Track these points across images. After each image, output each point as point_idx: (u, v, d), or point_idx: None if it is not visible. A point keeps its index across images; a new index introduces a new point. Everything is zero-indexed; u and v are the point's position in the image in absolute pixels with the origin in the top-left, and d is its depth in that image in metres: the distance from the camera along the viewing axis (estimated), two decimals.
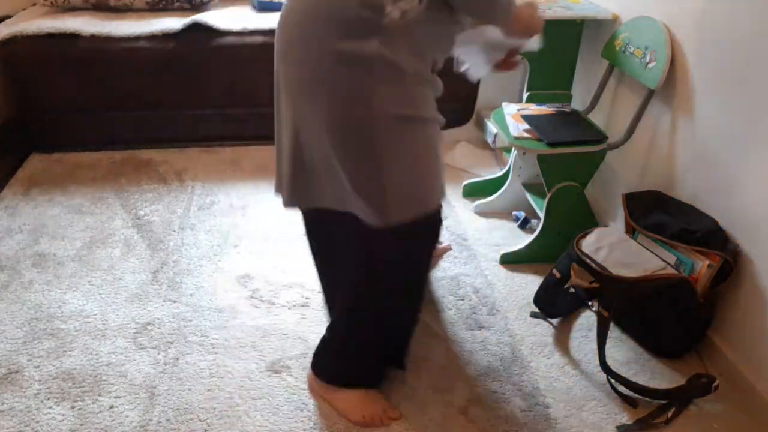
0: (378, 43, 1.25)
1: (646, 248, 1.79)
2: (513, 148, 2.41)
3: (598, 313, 1.71)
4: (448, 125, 3.19)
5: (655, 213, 1.84)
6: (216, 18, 2.88)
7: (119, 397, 1.65)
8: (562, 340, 1.89)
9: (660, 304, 1.77)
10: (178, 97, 2.87)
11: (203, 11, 3.03)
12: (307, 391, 1.67)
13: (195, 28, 2.78)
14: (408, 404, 1.65)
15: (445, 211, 2.51)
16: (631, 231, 1.88)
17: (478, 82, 2.90)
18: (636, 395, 1.68)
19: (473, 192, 2.61)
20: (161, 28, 2.77)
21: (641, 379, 1.72)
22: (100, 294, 2.01)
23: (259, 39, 2.81)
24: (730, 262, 1.66)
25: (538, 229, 2.17)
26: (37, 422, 1.57)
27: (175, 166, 2.79)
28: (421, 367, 1.77)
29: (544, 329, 1.93)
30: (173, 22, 2.82)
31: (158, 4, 3.03)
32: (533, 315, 1.97)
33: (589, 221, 2.15)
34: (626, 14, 2.17)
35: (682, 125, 1.91)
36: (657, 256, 1.75)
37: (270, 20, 2.90)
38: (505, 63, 1.55)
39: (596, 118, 2.29)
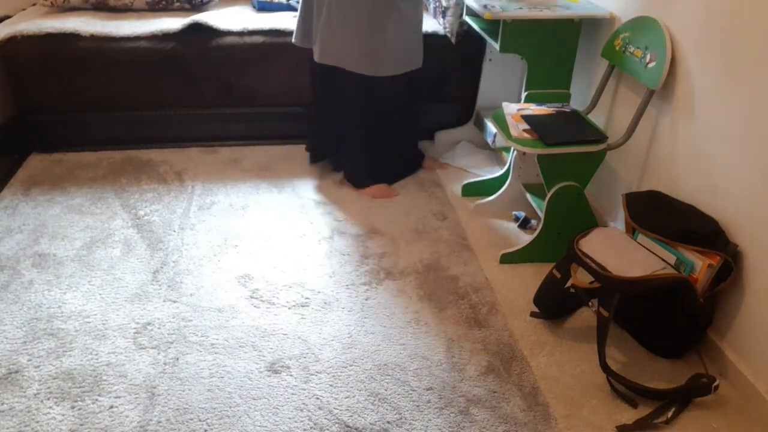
0: None
1: (646, 248, 1.79)
2: (512, 148, 2.41)
3: (598, 313, 1.71)
4: (448, 125, 3.21)
5: (655, 213, 1.84)
6: (216, 18, 2.88)
7: (119, 397, 1.65)
8: (562, 340, 1.89)
9: (660, 304, 1.77)
10: (178, 97, 2.87)
11: (203, 11, 3.04)
12: (307, 391, 1.68)
13: (195, 28, 2.79)
14: (408, 404, 1.65)
15: (445, 211, 2.51)
16: (631, 231, 1.88)
17: (478, 82, 2.90)
18: (636, 395, 1.68)
19: (473, 192, 2.62)
20: (161, 28, 2.77)
21: (641, 379, 1.72)
22: (100, 294, 2.01)
23: (259, 39, 2.81)
24: (730, 262, 1.66)
25: (538, 229, 2.17)
26: (37, 422, 1.57)
27: (175, 166, 2.80)
28: (421, 366, 1.77)
29: (544, 329, 1.93)
30: (173, 22, 2.82)
31: (158, 4, 3.03)
32: (533, 315, 1.97)
33: (589, 221, 2.15)
34: (626, 14, 2.17)
35: (682, 125, 1.91)
36: (657, 256, 1.75)
37: (270, 20, 2.91)
38: None
39: (596, 118, 2.29)
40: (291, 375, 1.73)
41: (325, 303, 2.00)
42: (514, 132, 2.07)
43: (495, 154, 2.91)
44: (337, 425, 1.59)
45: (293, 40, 2.55)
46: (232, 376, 1.72)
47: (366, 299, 2.02)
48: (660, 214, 1.83)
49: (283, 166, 2.83)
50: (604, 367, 1.69)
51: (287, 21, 2.89)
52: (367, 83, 2.42)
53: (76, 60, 2.73)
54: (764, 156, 1.58)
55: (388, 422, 1.60)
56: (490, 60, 2.85)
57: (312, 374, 1.73)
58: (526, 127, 2.09)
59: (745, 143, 1.65)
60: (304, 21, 2.47)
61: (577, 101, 2.43)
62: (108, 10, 3.00)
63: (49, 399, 1.64)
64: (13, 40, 2.69)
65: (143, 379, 1.70)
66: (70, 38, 2.72)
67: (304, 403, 1.65)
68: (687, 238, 1.72)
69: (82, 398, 1.64)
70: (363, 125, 2.54)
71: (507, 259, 2.21)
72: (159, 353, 1.79)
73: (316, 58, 2.43)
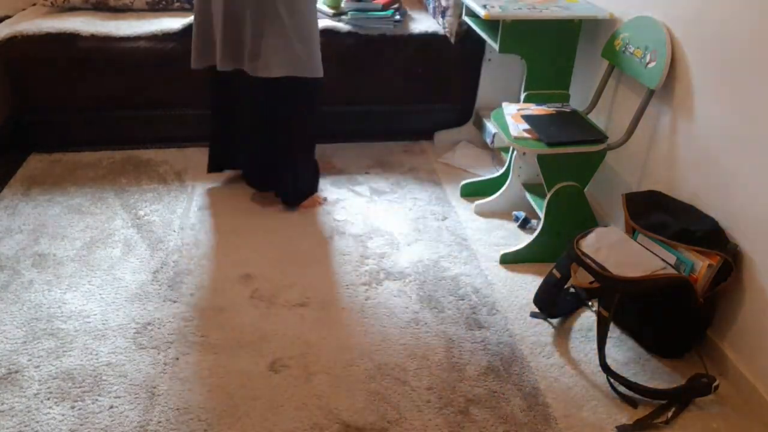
0: None
1: (646, 248, 1.79)
2: (511, 148, 2.42)
3: (598, 313, 1.71)
4: (447, 125, 3.21)
5: (655, 213, 1.84)
6: None
7: (119, 397, 1.65)
8: (562, 340, 1.89)
9: (660, 304, 1.77)
10: (179, 97, 2.87)
11: None
12: (307, 391, 1.68)
13: None
14: (408, 404, 1.65)
15: (445, 211, 2.51)
16: (631, 231, 1.88)
17: (478, 82, 2.90)
18: (636, 395, 1.68)
19: (473, 192, 2.62)
20: (161, 28, 2.77)
21: (641, 379, 1.72)
22: (100, 294, 2.01)
23: None
24: (730, 262, 1.66)
25: (538, 229, 2.17)
26: (37, 422, 1.57)
27: (175, 166, 2.79)
28: (421, 366, 1.77)
29: (544, 329, 1.93)
30: (173, 22, 2.82)
31: (158, 4, 3.03)
32: (533, 315, 1.97)
33: (589, 221, 2.15)
34: (626, 14, 2.17)
35: (682, 125, 1.91)
36: (657, 256, 1.75)
37: None
38: None
39: (596, 118, 2.29)
40: (291, 375, 1.73)
41: (325, 303, 2.00)
42: (514, 132, 2.07)
43: (494, 154, 2.91)
44: (337, 425, 1.59)
45: (192, 66, 2.32)
46: (232, 376, 1.72)
47: (366, 299, 2.02)
48: (660, 214, 1.83)
49: None
50: (604, 367, 1.69)
51: None
52: (310, 89, 2.30)
53: (76, 60, 2.73)
54: (764, 156, 1.58)
55: (388, 422, 1.60)
56: (489, 60, 2.85)
57: (312, 374, 1.73)
58: (526, 127, 2.09)
59: (745, 143, 1.65)
60: (204, 38, 2.26)
61: (577, 101, 2.43)
62: (108, 10, 3.00)
63: (49, 399, 1.64)
64: (13, 40, 2.69)
65: (143, 379, 1.70)
66: (70, 38, 2.72)
67: (304, 403, 1.65)
68: (687, 238, 1.72)
69: (82, 398, 1.64)
70: (309, 134, 2.44)
71: (507, 259, 2.21)
72: (159, 353, 1.79)
73: (261, 73, 2.19)
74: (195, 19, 2.28)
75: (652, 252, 1.77)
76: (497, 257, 2.22)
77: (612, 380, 1.70)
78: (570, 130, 2.08)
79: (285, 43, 2.16)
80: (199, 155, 2.89)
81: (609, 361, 1.71)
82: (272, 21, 2.14)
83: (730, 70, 1.69)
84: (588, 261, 1.74)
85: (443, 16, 2.83)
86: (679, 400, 1.66)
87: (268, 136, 2.41)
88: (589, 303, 2.01)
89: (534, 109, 2.22)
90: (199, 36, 2.29)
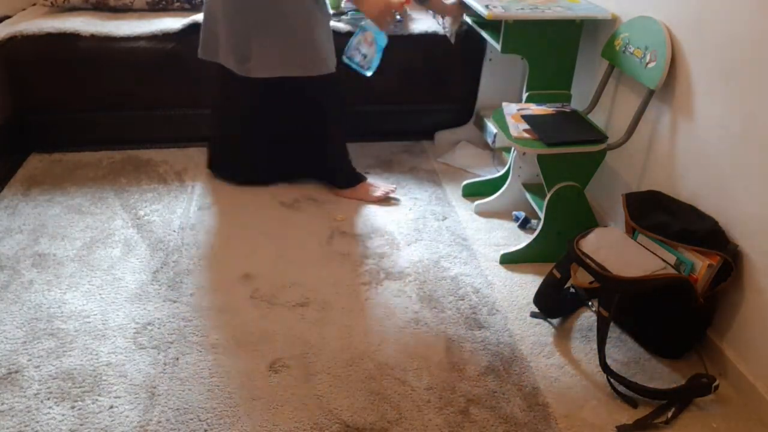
0: None
1: (646, 248, 1.79)
2: (513, 148, 2.42)
3: (598, 313, 1.71)
4: (448, 125, 3.21)
5: (655, 213, 1.84)
6: None
7: (119, 397, 1.65)
8: (562, 340, 1.89)
9: (660, 304, 1.77)
10: (178, 97, 2.87)
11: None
12: (307, 391, 1.68)
13: (195, 28, 2.78)
14: (408, 404, 1.65)
15: (445, 211, 2.51)
16: (631, 231, 1.88)
17: (478, 82, 2.90)
18: (636, 395, 1.68)
19: (473, 192, 2.62)
20: (161, 28, 2.77)
21: (641, 379, 1.72)
22: (100, 294, 2.01)
23: None
24: (730, 262, 1.66)
25: (538, 229, 2.17)
26: (37, 422, 1.57)
27: (175, 166, 2.79)
28: (421, 367, 1.77)
29: (544, 329, 1.93)
30: (173, 22, 2.82)
31: (158, 4, 3.03)
32: (533, 315, 1.97)
33: (589, 221, 2.15)
34: (626, 14, 2.17)
35: (682, 125, 1.91)
36: (657, 256, 1.75)
37: None
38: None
39: (596, 118, 2.29)
40: (291, 375, 1.73)
41: (325, 303, 2.00)
42: (514, 132, 2.07)
43: (495, 154, 2.91)
44: (337, 425, 1.59)
45: (199, 55, 2.42)
46: (232, 376, 1.72)
47: (366, 299, 2.02)
48: (660, 214, 1.83)
49: None
50: (604, 367, 1.69)
51: None
52: (324, 85, 2.40)
53: (76, 60, 2.73)
54: (764, 156, 1.58)
55: (388, 422, 1.60)
56: (490, 60, 2.85)
57: (312, 374, 1.73)
58: (526, 127, 2.09)
59: (745, 143, 1.65)
60: (210, 32, 2.35)
61: (577, 101, 2.43)
62: (108, 10, 3.00)
63: (49, 399, 1.64)
64: (13, 40, 2.69)
65: (143, 379, 1.70)
66: (70, 38, 2.72)
67: (304, 403, 1.65)
68: (687, 238, 1.72)
69: (82, 398, 1.64)
70: (338, 123, 2.53)
71: (507, 259, 2.21)
72: (159, 353, 1.79)
73: (258, 74, 2.30)
74: (204, 13, 2.35)
75: (652, 252, 1.77)
76: (497, 257, 2.22)
77: (612, 380, 1.70)
78: (570, 130, 2.08)
79: (279, 43, 2.25)
80: (199, 155, 2.89)
81: (609, 361, 1.71)
82: (267, 21, 2.21)
83: (730, 69, 1.69)
84: (588, 261, 1.74)
85: (443, 17, 2.83)
86: (679, 400, 1.66)
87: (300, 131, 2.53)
88: (589, 303, 2.01)
89: (534, 109, 2.22)
90: (205, 31, 2.38)
